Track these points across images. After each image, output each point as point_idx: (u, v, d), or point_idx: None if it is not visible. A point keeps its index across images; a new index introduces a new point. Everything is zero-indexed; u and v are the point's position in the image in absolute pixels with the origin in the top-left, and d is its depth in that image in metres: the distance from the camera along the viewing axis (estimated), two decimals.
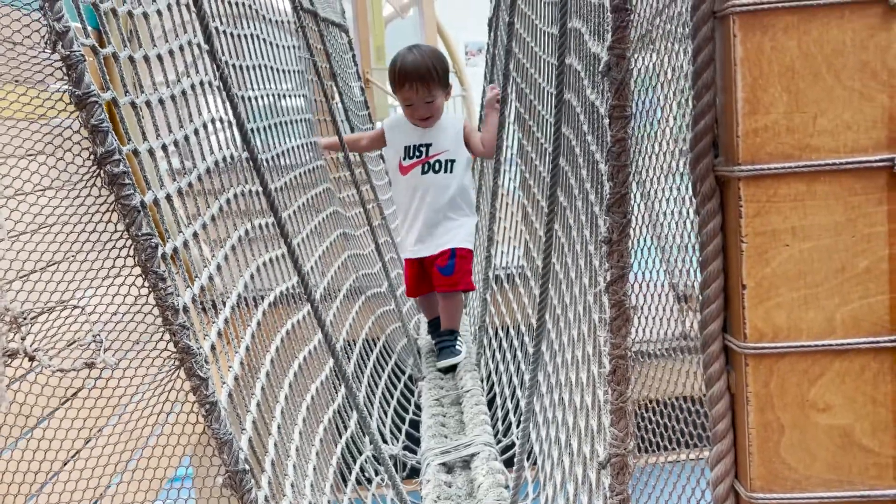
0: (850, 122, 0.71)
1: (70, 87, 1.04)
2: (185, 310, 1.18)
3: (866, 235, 0.71)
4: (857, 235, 0.71)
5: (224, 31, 2.14)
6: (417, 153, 2.75)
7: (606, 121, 0.92)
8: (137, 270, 1.06)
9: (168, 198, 1.38)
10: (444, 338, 2.86)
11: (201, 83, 1.89)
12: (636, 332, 0.97)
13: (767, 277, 0.73)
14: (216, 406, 1.04)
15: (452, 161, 2.74)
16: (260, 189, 2.14)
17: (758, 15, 0.71)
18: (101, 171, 1.03)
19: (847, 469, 0.72)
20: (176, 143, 1.55)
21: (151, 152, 1.37)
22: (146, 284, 1.02)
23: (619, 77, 0.88)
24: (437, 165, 2.74)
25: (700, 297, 0.78)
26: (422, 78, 2.61)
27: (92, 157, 1.03)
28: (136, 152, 1.27)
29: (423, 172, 2.74)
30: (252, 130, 2.24)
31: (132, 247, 1.03)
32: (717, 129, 0.77)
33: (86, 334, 1.02)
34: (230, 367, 1.44)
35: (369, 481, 2.41)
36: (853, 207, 0.72)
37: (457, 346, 2.86)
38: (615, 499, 0.91)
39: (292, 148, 2.75)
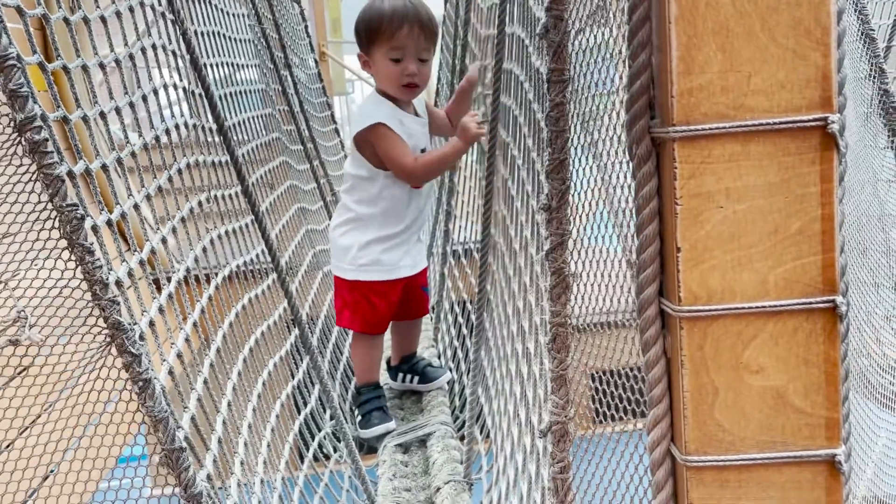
0: (785, 82, 0.70)
1: None
2: (119, 284, 1.14)
3: (799, 196, 0.71)
4: (790, 196, 0.71)
5: None
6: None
7: (545, 86, 0.90)
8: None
9: (104, 167, 1.33)
10: (420, 360, 2.47)
11: (153, 47, 1.82)
12: (596, 301, 0.97)
13: (702, 240, 0.72)
14: (150, 383, 1.00)
15: None
16: (217, 159, 2.10)
17: None
18: (22, 139, 0.97)
19: (780, 430, 0.73)
20: (118, 111, 1.49)
21: (86, 119, 1.31)
22: (72, 258, 0.98)
23: (556, 39, 0.86)
24: None
25: (636, 262, 0.77)
26: (422, 23, 1.95)
27: (11, 123, 0.98)
28: (66, 119, 1.22)
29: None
30: (200, 96, 2.18)
31: (56, 218, 0.98)
32: (653, 90, 0.75)
33: (9, 311, 0.98)
34: (173, 343, 1.40)
35: (327, 458, 2.40)
36: (787, 168, 0.71)
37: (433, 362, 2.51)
38: (556, 466, 0.90)
39: (247, 119, 2.68)
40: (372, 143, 2.01)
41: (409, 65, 1.97)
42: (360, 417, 2.24)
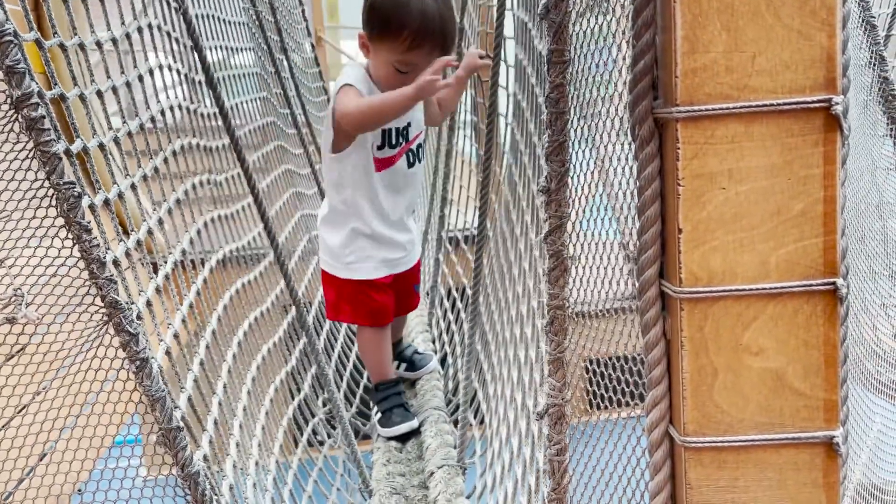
0: (789, 62, 0.70)
1: None
2: (116, 263, 1.14)
3: (802, 178, 0.71)
4: (793, 178, 0.71)
5: None
6: (400, 139, 1.89)
7: (545, 67, 0.89)
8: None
9: (101, 146, 1.32)
10: (407, 347, 2.44)
11: (149, 26, 1.81)
12: (592, 286, 0.96)
13: (704, 221, 0.71)
14: (147, 362, 1.00)
15: (423, 143, 1.99)
16: (213, 144, 2.09)
17: None
18: (19, 116, 0.97)
19: (779, 411, 0.73)
20: (115, 90, 1.48)
21: (83, 98, 1.31)
22: (69, 236, 0.97)
23: (557, 20, 0.85)
24: (419, 153, 1.97)
25: (637, 244, 0.76)
26: (445, 44, 1.78)
27: (8, 100, 0.97)
28: (63, 97, 1.21)
29: (410, 165, 1.94)
30: (200, 83, 2.17)
31: (53, 196, 0.97)
32: (656, 70, 0.75)
33: (5, 289, 0.97)
34: (169, 323, 1.39)
35: (321, 443, 2.40)
36: (790, 149, 0.71)
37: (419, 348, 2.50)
38: (553, 448, 0.90)
39: (242, 102, 2.67)
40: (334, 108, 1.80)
41: (408, 80, 1.75)
42: (379, 415, 2.12)
